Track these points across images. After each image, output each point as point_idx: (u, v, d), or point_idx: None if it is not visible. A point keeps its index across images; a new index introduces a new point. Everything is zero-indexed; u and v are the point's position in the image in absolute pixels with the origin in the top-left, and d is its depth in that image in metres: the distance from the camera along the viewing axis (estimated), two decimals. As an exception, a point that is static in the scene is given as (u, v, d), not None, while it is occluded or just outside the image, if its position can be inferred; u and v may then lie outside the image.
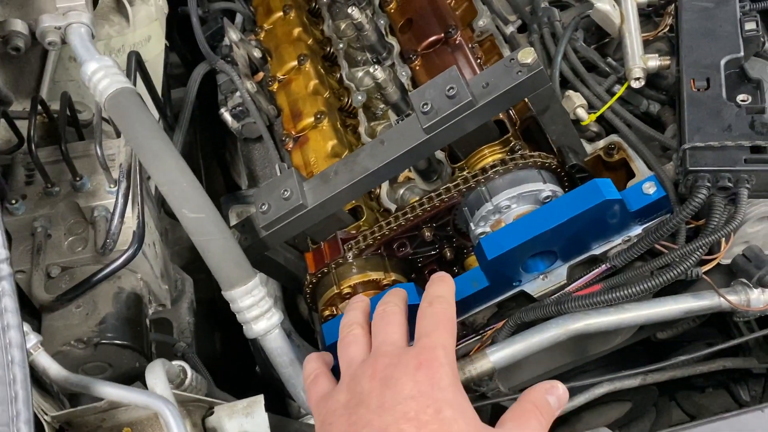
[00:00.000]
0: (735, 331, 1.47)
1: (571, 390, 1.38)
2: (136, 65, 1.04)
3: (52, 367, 0.79)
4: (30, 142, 0.97)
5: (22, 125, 1.11)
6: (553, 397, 0.73)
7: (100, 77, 0.91)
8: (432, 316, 0.76)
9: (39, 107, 1.06)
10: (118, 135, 1.11)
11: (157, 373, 0.80)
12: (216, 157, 1.90)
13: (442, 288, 0.80)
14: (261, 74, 1.57)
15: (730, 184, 0.91)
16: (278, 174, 1.42)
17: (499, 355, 0.97)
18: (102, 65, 0.92)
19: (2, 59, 1.01)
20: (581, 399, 1.39)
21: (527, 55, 0.94)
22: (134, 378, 0.98)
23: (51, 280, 0.96)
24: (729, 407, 1.62)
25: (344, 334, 0.80)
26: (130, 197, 0.94)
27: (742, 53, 1.02)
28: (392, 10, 1.39)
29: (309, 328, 1.37)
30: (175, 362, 0.86)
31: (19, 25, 0.99)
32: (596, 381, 1.32)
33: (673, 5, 1.19)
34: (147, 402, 0.75)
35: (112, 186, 1.00)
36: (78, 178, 1.00)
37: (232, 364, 1.49)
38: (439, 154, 1.19)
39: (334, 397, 0.74)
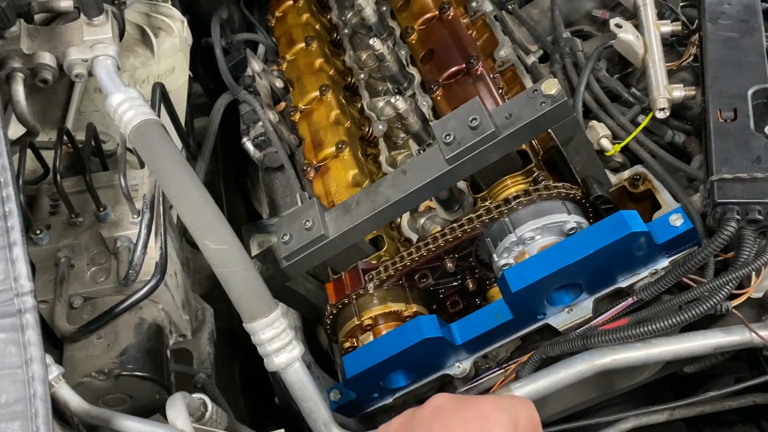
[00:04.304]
0: (765, 366, 1.43)
1: (596, 426, 1.36)
2: (160, 96, 1.05)
3: (74, 400, 0.79)
4: (55, 172, 0.98)
5: (48, 155, 1.13)
6: None
7: (125, 109, 0.92)
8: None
9: (64, 138, 1.06)
10: (142, 165, 1.11)
11: (177, 407, 0.79)
12: (237, 185, 1.91)
13: None
14: (283, 104, 1.58)
15: (761, 217, 0.89)
16: (299, 203, 1.42)
17: (523, 391, 0.95)
18: (127, 97, 0.93)
19: (30, 91, 1.02)
20: (607, 435, 1.35)
21: (551, 86, 0.93)
22: (154, 410, 0.98)
23: (73, 310, 0.96)
24: (758, 442, 1.57)
25: None
26: (153, 228, 0.94)
27: (770, 83, 1.00)
28: (413, 41, 1.40)
29: (329, 359, 1.36)
30: (195, 395, 0.85)
31: (47, 58, 1.00)
32: (622, 416, 1.29)
33: (697, 35, 1.18)
34: (167, 437, 0.74)
35: (135, 217, 1.00)
36: (101, 209, 1.01)
37: (252, 394, 1.48)
38: (461, 184, 1.19)
39: (391, 426, 0.72)
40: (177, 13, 1.32)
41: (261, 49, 1.73)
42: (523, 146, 1.12)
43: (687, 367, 1.31)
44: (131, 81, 1.25)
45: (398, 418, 0.72)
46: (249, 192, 1.85)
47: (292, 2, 1.70)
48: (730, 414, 1.50)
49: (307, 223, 1.04)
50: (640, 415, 1.30)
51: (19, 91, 0.97)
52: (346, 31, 1.61)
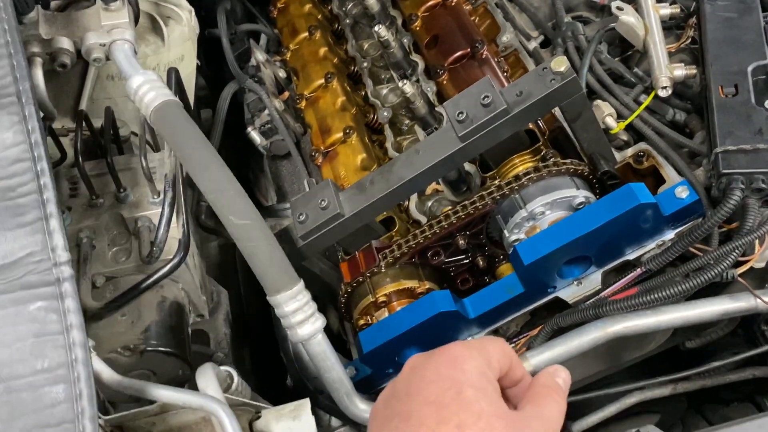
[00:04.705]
0: (761, 340, 1.47)
1: (602, 399, 1.39)
2: (176, 81, 1.07)
3: (105, 371, 0.80)
4: (77, 154, 1.00)
5: (63, 141, 1.14)
6: (560, 378, 0.74)
7: (146, 90, 0.94)
8: None
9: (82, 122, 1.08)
10: (157, 149, 1.13)
11: (208, 376, 0.81)
12: (238, 176, 1.92)
13: None
14: (286, 93, 1.60)
15: (764, 186, 0.93)
16: (307, 189, 1.44)
17: (539, 358, 0.98)
18: (147, 79, 0.95)
19: (46, 76, 1.04)
20: (612, 409, 1.39)
21: (560, 64, 0.96)
22: (177, 386, 0.99)
23: (96, 289, 0.98)
24: (755, 419, 1.61)
25: None
26: (175, 207, 0.96)
27: (768, 60, 1.04)
28: (417, 28, 1.42)
29: (339, 339, 1.38)
30: (222, 367, 0.88)
31: (65, 43, 1.02)
32: (627, 388, 1.33)
33: (694, 18, 1.22)
34: (201, 403, 0.76)
35: (155, 197, 1.02)
36: (122, 190, 1.03)
37: (262, 378, 1.50)
38: (468, 167, 1.21)
39: (379, 396, 0.75)
40: (185, 2, 1.34)
41: (263, 39, 1.75)
42: (530, 125, 1.15)
43: (689, 342, 1.34)
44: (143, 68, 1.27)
45: (383, 392, 0.75)
46: (251, 182, 1.87)
47: (293, -7, 1.72)
48: (728, 392, 1.54)
49: (323, 202, 1.06)
50: (644, 389, 1.33)
51: (38, 75, 0.99)
52: (348, 21, 1.63)
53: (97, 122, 1.19)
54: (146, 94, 0.93)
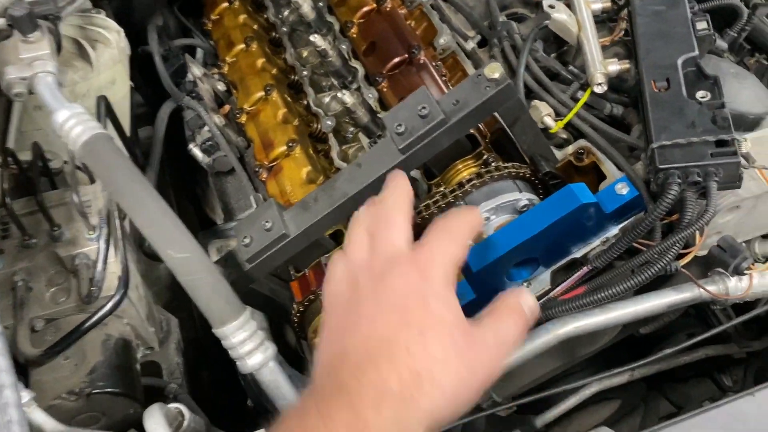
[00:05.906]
0: (713, 320, 1.51)
1: (561, 394, 1.41)
2: (105, 110, 1.03)
3: (48, 424, 0.78)
4: (3, 194, 0.96)
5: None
6: (525, 302, 0.74)
7: (72, 125, 0.90)
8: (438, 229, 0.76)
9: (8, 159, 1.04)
10: (92, 181, 1.10)
11: (156, 419, 0.79)
12: (186, 193, 1.89)
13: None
14: (227, 107, 1.57)
15: (700, 179, 0.94)
16: (253, 205, 1.42)
17: (493, 365, 0.98)
18: (72, 113, 0.92)
19: (-33, 114, 0.99)
20: (572, 401, 1.41)
21: (494, 70, 0.96)
22: (129, 425, 0.97)
23: (35, 333, 0.95)
24: (713, 394, 1.66)
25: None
26: (111, 242, 0.93)
27: (696, 52, 1.05)
28: (354, 35, 1.41)
29: (297, 356, 1.37)
30: (171, 405, 0.85)
31: (-18, 79, 0.98)
32: (585, 382, 1.35)
33: (626, 10, 1.23)
34: (149, 449, 0.74)
35: (91, 233, 0.99)
36: (56, 228, 0.99)
37: (223, 401, 1.48)
38: (414, 173, 1.21)
39: (338, 289, 0.76)
40: (112, 23, 1.30)
41: (199, 53, 1.71)
42: (471, 130, 1.14)
43: (642, 328, 1.37)
44: (72, 96, 1.22)
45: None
46: (200, 199, 1.83)
47: (227, 4, 1.69)
48: (685, 369, 1.58)
49: (267, 223, 1.04)
50: (602, 379, 1.36)
51: (-43, 115, 0.95)
52: (285, 29, 1.60)
53: (28, 155, 1.15)
54: (72, 129, 0.90)
